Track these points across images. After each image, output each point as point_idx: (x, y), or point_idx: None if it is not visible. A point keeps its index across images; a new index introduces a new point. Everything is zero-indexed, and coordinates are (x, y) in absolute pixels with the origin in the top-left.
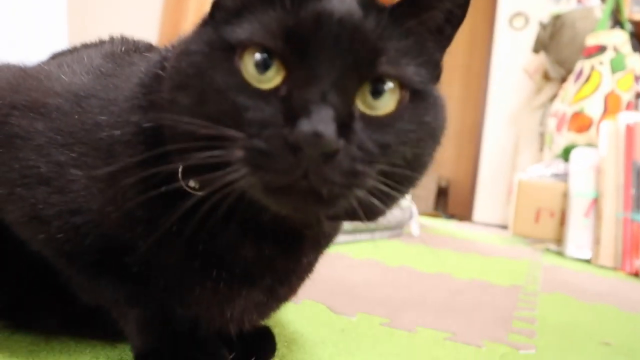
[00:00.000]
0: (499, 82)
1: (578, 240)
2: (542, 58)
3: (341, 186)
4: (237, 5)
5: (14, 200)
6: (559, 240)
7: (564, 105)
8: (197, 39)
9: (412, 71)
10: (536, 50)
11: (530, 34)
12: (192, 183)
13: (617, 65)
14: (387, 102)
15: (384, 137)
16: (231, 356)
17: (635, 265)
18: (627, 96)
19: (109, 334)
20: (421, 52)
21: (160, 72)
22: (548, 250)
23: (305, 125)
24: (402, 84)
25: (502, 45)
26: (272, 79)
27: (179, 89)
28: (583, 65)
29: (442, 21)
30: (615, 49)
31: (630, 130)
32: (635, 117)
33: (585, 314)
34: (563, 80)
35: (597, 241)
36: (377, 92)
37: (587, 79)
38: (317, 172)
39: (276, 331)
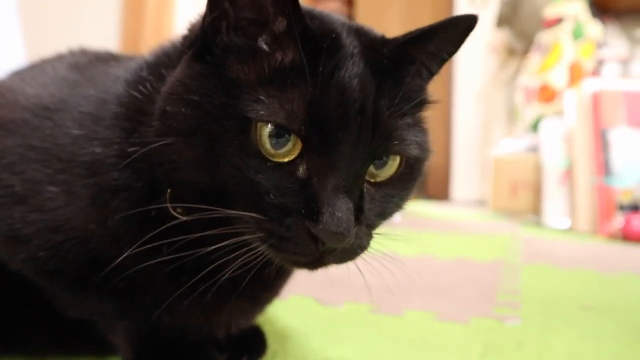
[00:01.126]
0: (464, 60)
1: (555, 209)
2: (505, 33)
3: (348, 259)
4: (252, 59)
5: None
6: (537, 211)
7: (530, 78)
8: (197, 86)
9: (414, 144)
10: (499, 24)
11: (492, 10)
12: (179, 210)
13: (577, 34)
14: (388, 171)
15: (384, 204)
16: (223, 358)
17: (611, 228)
18: (589, 63)
19: (98, 348)
20: (419, 107)
21: (138, 94)
22: (527, 222)
23: (329, 224)
24: (404, 157)
25: None
26: (289, 153)
27: (178, 139)
28: (544, 36)
29: (436, 66)
30: (575, 18)
31: (596, 98)
32: (599, 84)
33: (566, 281)
34: (526, 53)
35: (573, 208)
36: (381, 165)
37: (550, 50)
38: (331, 254)
39: (266, 328)
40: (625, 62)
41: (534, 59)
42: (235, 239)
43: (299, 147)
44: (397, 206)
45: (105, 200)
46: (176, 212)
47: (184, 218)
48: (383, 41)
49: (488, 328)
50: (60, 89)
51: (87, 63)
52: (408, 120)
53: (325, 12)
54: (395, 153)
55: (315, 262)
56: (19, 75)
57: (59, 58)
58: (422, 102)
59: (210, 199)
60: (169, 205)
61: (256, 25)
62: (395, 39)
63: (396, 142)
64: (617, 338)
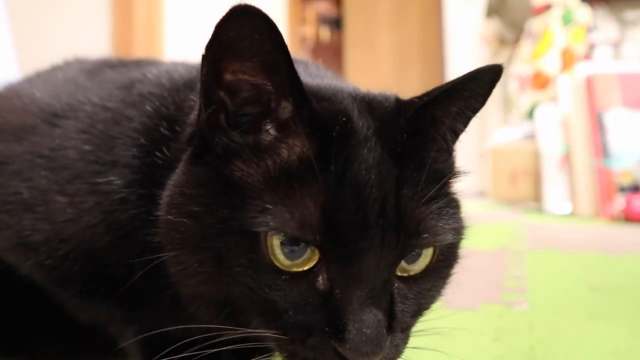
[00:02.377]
0: (455, 52)
1: (555, 195)
2: (495, 22)
3: None
4: (255, 159)
5: None
6: (538, 198)
7: (522, 66)
8: (198, 195)
9: (448, 231)
10: (489, 14)
11: (481, 1)
12: None
13: (566, 20)
14: (421, 264)
15: (420, 300)
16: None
17: (613, 210)
18: (581, 48)
19: (109, 353)
20: (447, 185)
21: (157, 160)
22: (529, 209)
23: (358, 344)
24: (437, 247)
25: (454, 17)
26: (308, 261)
27: (183, 251)
28: (534, 24)
29: (462, 126)
30: (563, 4)
31: (590, 81)
32: (592, 68)
33: (572, 264)
34: (517, 41)
35: (574, 193)
36: (413, 259)
37: (540, 37)
38: None
39: None
40: (616, 45)
41: (525, 47)
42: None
43: (317, 254)
44: (434, 299)
45: (117, 229)
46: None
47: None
48: (399, 109)
49: (497, 314)
50: (69, 93)
51: (97, 68)
52: (438, 204)
53: (334, 87)
54: (427, 246)
55: None
56: (28, 80)
57: (66, 64)
58: (451, 178)
59: (222, 309)
60: None
61: (258, 114)
62: (412, 103)
63: (426, 235)
64: (628, 316)
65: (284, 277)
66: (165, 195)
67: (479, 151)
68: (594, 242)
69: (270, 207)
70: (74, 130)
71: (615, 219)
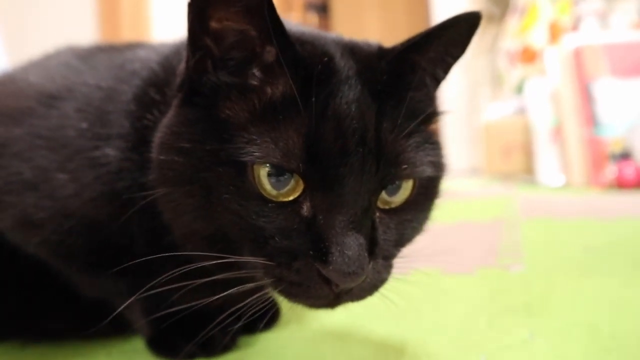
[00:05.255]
0: None
1: (548, 167)
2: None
3: (367, 295)
4: (243, 97)
5: (3, 208)
6: (531, 171)
7: (510, 41)
8: (187, 132)
9: (426, 164)
10: None
11: None
12: None
13: None
14: (402, 195)
15: (402, 230)
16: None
17: (605, 178)
18: (568, 20)
19: (118, 328)
20: (427, 121)
21: (147, 122)
22: (522, 182)
23: (339, 265)
24: (417, 179)
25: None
26: (292, 191)
27: (174, 188)
28: None
29: (442, 72)
30: None
31: (578, 53)
32: (579, 39)
33: (565, 230)
34: (504, 17)
35: (566, 164)
36: (393, 190)
37: (527, 12)
38: (347, 294)
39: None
40: (603, 16)
41: (512, 22)
42: (247, 284)
43: (301, 185)
44: (416, 230)
45: (116, 198)
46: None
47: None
48: (380, 54)
49: (493, 276)
50: (64, 76)
51: (90, 52)
52: (416, 139)
53: (317, 32)
54: (407, 177)
55: (331, 302)
56: (22, 67)
57: (58, 52)
58: (430, 116)
59: (214, 244)
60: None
61: (244, 58)
62: (393, 49)
63: (405, 166)
64: (619, 273)
65: (270, 204)
66: (157, 136)
67: (471, 128)
68: (586, 209)
69: (256, 138)
70: (70, 109)
71: (607, 187)
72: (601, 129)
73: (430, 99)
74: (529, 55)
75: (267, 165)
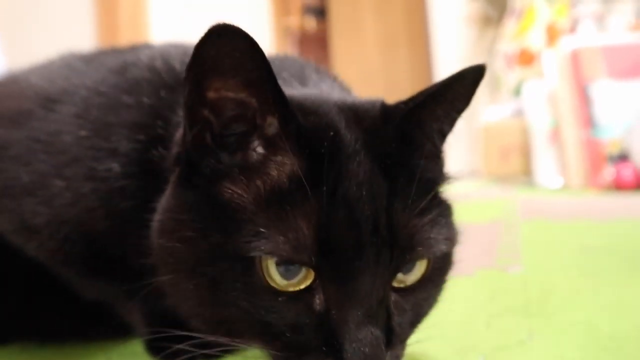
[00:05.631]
0: (441, 35)
1: (546, 169)
2: (479, 2)
3: None
4: (245, 179)
5: (1, 212)
6: (530, 173)
7: (508, 43)
8: (188, 220)
9: (441, 242)
10: None
11: None
12: None
13: None
14: (416, 274)
15: (418, 310)
16: None
17: (603, 180)
18: (565, 23)
19: (117, 330)
20: (439, 195)
21: (154, 157)
22: (521, 184)
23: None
24: (431, 258)
25: (437, 2)
26: (302, 281)
27: (177, 275)
28: (518, 1)
29: (448, 127)
30: None
31: (575, 55)
32: (577, 42)
33: (563, 231)
34: (502, 20)
35: (564, 166)
36: (407, 270)
37: (524, 14)
38: None
39: None
40: (600, 18)
41: (509, 25)
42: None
43: (311, 275)
44: (431, 307)
45: (117, 215)
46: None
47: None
48: (385, 116)
49: (492, 277)
50: (65, 78)
51: (92, 56)
52: (430, 215)
53: (319, 97)
54: (422, 258)
55: None
56: (24, 69)
57: (61, 56)
58: (442, 181)
59: (220, 328)
60: None
61: (244, 131)
62: (398, 109)
63: (420, 248)
64: (617, 273)
65: (280, 298)
66: (156, 220)
67: (469, 130)
68: (584, 211)
69: (264, 230)
70: (68, 115)
71: (605, 188)
72: (599, 131)
73: (440, 160)
74: (526, 58)
75: (279, 263)
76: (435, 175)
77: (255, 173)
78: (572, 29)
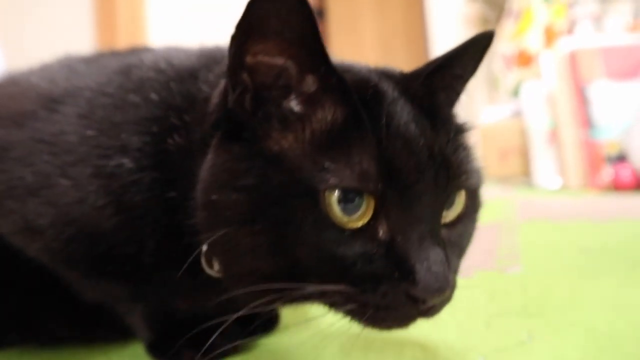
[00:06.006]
0: (439, 36)
1: (545, 170)
2: (477, 3)
3: (442, 308)
4: (297, 125)
5: (4, 213)
6: (528, 174)
7: (506, 45)
8: (244, 169)
9: (476, 174)
10: None
11: None
12: (216, 267)
13: None
14: (457, 209)
15: (461, 243)
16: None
17: (601, 180)
18: (563, 24)
19: (118, 333)
20: (465, 134)
21: (171, 147)
22: (519, 185)
23: (429, 282)
24: (467, 190)
25: (435, 4)
26: (364, 214)
27: (232, 228)
28: (515, 2)
29: (462, 86)
30: None
31: (573, 56)
32: (575, 43)
33: (562, 232)
34: (499, 21)
35: (563, 167)
36: (449, 204)
37: (522, 16)
38: (430, 310)
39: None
40: (597, 19)
41: (507, 26)
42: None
43: (371, 208)
44: (469, 242)
45: (128, 210)
46: (215, 270)
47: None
48: (412, 77)
49: (491, 278)
50: (67, 79)
51: (92, 57)
52: (465, 152)
53: (347, 61)
54: (467, 187)
55: (409, 321)
56: (24, 70)
57: (59, 59)
58: (466, 130)
59: (276, 280)
60: (203, 260)
61: (284, 91)
62: (421, 71)
63: (465, 176)
64: (616, 274)
65: (346, 232)
66: (204, 178)
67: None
68: (583, 211)
69: (327, 165)
70: (73, 115)
71: (604, 189)
72: (597, 132)
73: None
74: (524, 59)
75: (338, 190)
76: (458, 120)
77: (304, 121)
78: (570, 30)
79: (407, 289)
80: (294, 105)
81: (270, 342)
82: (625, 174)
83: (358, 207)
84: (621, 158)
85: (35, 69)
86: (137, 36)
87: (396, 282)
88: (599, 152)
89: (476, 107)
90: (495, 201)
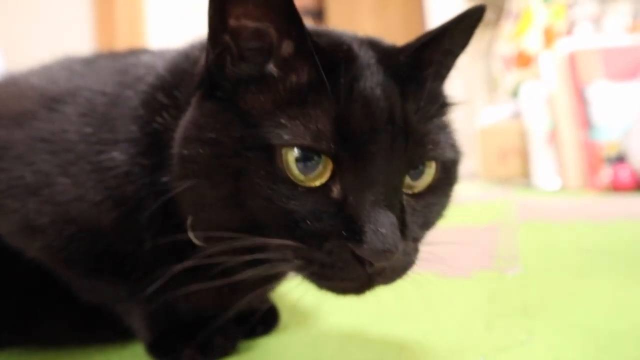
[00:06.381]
0: None
1: (544, 170)
2: (476, 4)
3: (397, 278)
4: (265, 86)
5: (4, 212)
6: (528, 175)
7: (505, 46)
8: (212, 123)
9: (448, 146)
10: None
11: None
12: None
13: None
14: (426, 180)
15: (427, 214)
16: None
17: (601, 181)
18: (562, 25)
19: (118, 334)
20: (444, 108)
21: (158, 126)
22: (519, 186)
23: (374, 242)
24: (439, 161)
25: (435, 1)
26: (321, 175)
27: (199, 181)
28: (514, 3)
29: (452, 62)
30: None
31: (572, 57)
32: (574, 44)
33: (561, 233)
34: (499, 22)
35: (562, 167)
36: (417, 174)
37: (521, 17)
38: (379, 275)
39: (278, 302)
40: (597, 20)
41: (507, 27)
42: (264, 267)
43: (329, 168)
44: (439, 215)
45: (124, 202)
46: (198, 239)
47: (208, 248)
48: (399, 50)
49: (491, 278)
50: (67, 79)
51: (93, 58)
52: (437, 122)
53: (331, 28)
54: (431, 159)
55: (362, 286)
56: (24, 71)
57: (59, 59)
58: (446, 105)
59: (241, 226)
60: (191, 234)
61: (262, 54)
62: (410, 45)
63: (430, 146)
64: (615, 274)
65: (300, 189)
66: (178, 133)
67: (467, 133)
68: (582, 212)
69: (285, 122)
70: (73, 114)
71: (603, 190)
72: (596, 132)
73: (444, 92)
74: (524, 60)
75: (296, 149)
76: (441, 93)
77: (274, 82)
78: (569, 31)
79: (353, 248)
80: (272, 68)
81: (270, 342)
82: (625, 175)
83: (315, 167)
84: (620, 159)
85: (35, 69)
86: (136, 37)
87: (343, 241)
88: (598, 152)
89: (476, 108)
90: (495, 202)
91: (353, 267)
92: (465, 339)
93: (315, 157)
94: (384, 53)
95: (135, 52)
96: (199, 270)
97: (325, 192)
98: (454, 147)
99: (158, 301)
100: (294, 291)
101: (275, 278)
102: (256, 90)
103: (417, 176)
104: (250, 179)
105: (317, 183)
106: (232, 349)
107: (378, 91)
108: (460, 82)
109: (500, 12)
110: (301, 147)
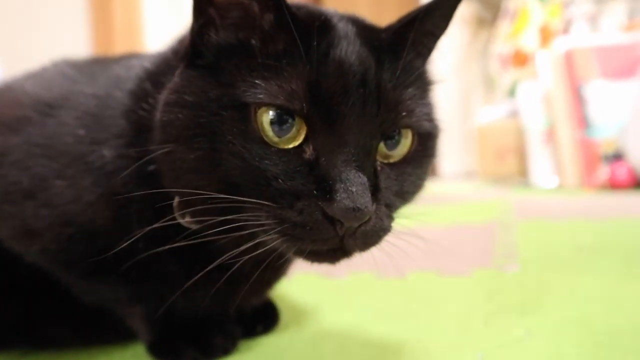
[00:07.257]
0: None
1: (542, 169)
2: (473, 3)
3: (371, 243)
4: (244, 54)
5: (2, 218)
6: (525, 173)
7: (502, 45)
8: (191, 87)
9: (423, 115)
10: None
11: None
12: (188, 218)
13: None
14: (401, 150)
15: (402, 182)
16: (238, 330)
17: (598, 179)
18: (558, 24)
19: (119, 335)
20: (422, 81)
21: (143, 112)
22: (516, 185)
23: (344, 200)
24: (415, 131)
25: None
26: (294, 138)
27: (178, 144)
28: (511, 2)
29: (432, 43)
30: None
31: (569, 56)
32: (570, 42)
33: (560, 230)
34: (495, 21)
35: (559, 166)
36: (393, 144)
37: (518, 16)
38: (352, 237)
39: (278, 302)
40: (593, 19)
41: (503, 26)
42: (249, 243)
43: (303, 131)
44: (415, 186)
45: (115, 201)
46: (185, 220)
47: (194, 227)
48: (380, 29)
49: (489, 277)
50: (60, 85)
51: (85, 63)
52: (413, 91)
53: (311, 4)
54: (405, 126)
55: (336, 250)
56: (18, 77)
57: (54, 64)
58: (425, 79)
59: (217, 200)
60: (177, 214)
61: (244, 26)
62: (392, 26)
63: (404, 113)
64: (611, 271)
65: (273, 149)
66: (161, 101)
67: (464, 132)
68: (579, 210)
69: (260, 82)
70: (67, 118)
71: (600, 188)
72: (593, 131)
73: (425, 68)
74: (520, 59)
75: (271, 111)
76: (419, 66)
77: (252, 52)
78: (566, 30)
79: (323, 206)
80: (253, 40)
81: (270, 341)
82: (621, 173)
83: (289, 130)
84: (617, 157)
85: (28, 75)
86: (134, 41)
87: (314, 200)
88: (595, 151)
89: (473, 107)
90: (493, 201)
91: (324, 227)
92: (464, 336)
93: (290, 120)
94: (364, 28)
95: (127, 57)
96: (195, 268)
97: (298, 152)
98: (432, 120)
99: (157, 300)
100: (294, 291)
101: (273, 274)
102: (236, 59)
103: (393, 146)
104: (225, 138)
105: (291, 145)
106: (232, 348)
107: (352, 57)
108: (457, 81)
109: (496, 11)
110: (275, 106)
